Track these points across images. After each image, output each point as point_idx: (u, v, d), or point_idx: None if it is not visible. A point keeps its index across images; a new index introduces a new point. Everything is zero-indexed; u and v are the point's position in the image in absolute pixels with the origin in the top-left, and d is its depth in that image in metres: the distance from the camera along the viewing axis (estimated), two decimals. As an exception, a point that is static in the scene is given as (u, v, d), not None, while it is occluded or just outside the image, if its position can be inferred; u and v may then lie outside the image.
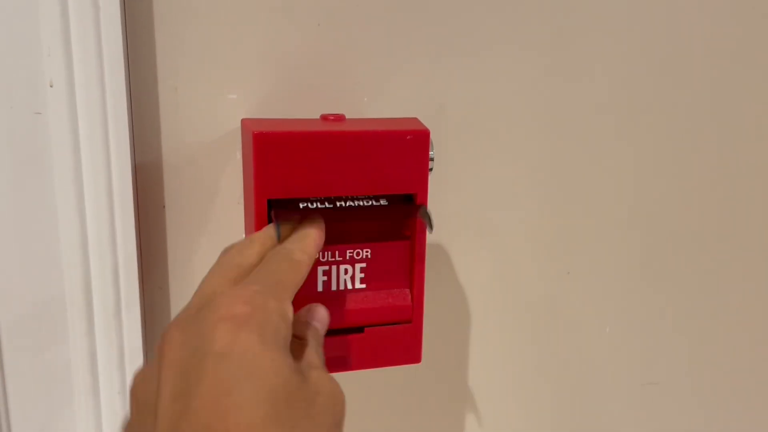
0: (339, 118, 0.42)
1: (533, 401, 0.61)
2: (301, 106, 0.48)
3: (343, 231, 0.41)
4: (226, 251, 0.33)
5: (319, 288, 0.41)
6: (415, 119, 0.43)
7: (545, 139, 0.54)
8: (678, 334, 0.63)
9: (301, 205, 0.39)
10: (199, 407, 0.24)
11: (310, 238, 0.35)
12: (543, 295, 0.58)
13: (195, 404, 0.24)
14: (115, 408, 0.47)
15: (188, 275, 0.49)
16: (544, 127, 0.54)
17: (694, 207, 0.60)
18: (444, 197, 0.52)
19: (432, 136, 0.41)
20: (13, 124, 0.42)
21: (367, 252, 0.41)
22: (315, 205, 0.39)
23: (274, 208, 0.38)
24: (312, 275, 0.40)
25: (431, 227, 0.40)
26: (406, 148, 0.40)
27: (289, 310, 0.30)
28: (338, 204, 0.40)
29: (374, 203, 0.40)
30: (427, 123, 0.43)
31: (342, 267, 0.41)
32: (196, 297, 0.30)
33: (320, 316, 0.35)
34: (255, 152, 0.37)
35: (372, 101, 0.49)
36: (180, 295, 0.49)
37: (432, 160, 0.41)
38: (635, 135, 0.56)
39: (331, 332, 0.41)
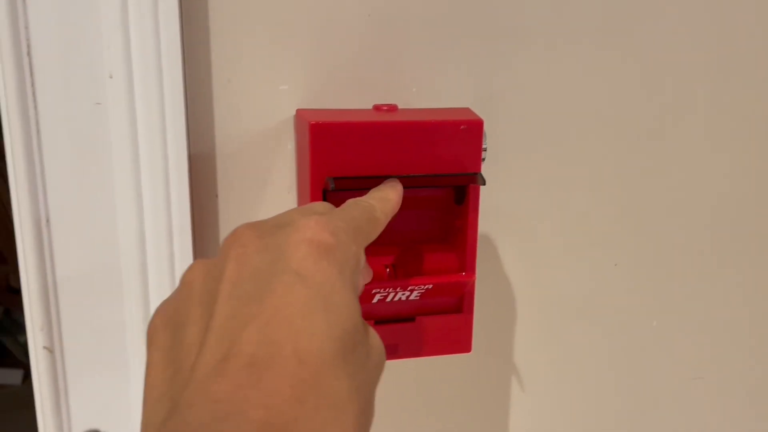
0: (392, 108, 0.42)
1: (579, 393, 0.61)
2: (350, 96, 0.48)
3: (394, 260, 0.41)
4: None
5: (374, 301, 0.41)
6: (467, 109, 0.44)
7: (592, 130, 0.54)
8: (725, 328, 0.62)
9: None
10: (270, 320, 0.23)
11: (390, 204, 0.34)
12: (590, 287, 0.58)
13: (266, 315, 0.23)
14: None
15: (240, 263, 0.49)
16: (592, 118, 0.53)
17: (746, 201, 0.59)
18: (491, 187, 0.52)
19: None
20: (74, 114, 0.44)
21: (428, 286, 0.41)
22: None
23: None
24: (368, 295, 0.40)
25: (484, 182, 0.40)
26: (459, 138, 0.40)
27: (363, 258, 0.28)
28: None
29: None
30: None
31: (401, 293, 0.41)
32: (272, 219, 0.28)
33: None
34: (311, 142, 0.38)
35: (421, 92, 0.49)
36: (232, 283, 0.50)
37: (485, 149, 0.41)
38: (685, 128, 0.56)
39: (382, 321, 0.42)
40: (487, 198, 0.52)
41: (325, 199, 0.39)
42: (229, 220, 0.49)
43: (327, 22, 0.47)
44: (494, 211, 0.53)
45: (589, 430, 0.62)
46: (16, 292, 2.62)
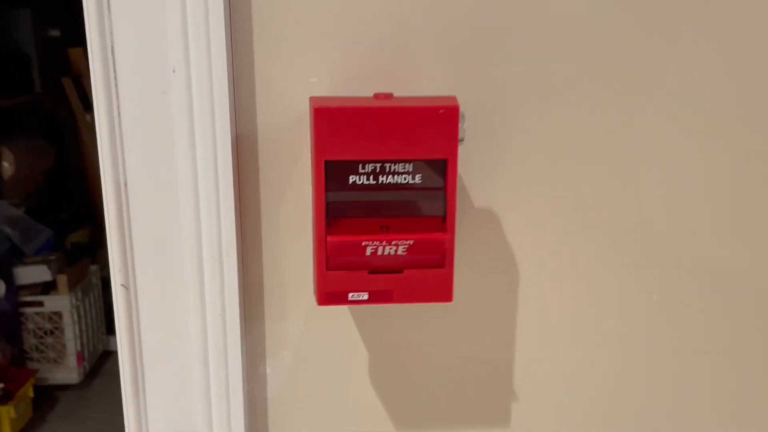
0: (388, 96, 0.51)
1: (580, 368, 0.67)
2: (370, 87, 0.57)
3: (384, 222, 0.50)
4: None
5: (368, 253, 0.50)
6: (452, 97, 0.52)
7: (582, 120, 0.60)
8: (725, 302, 0.66)
9: (350, 180, 0.49)
10: None
11: None
12: (590, 263, 0.64)
13: None
14: (217, 329, 0.60)
15: (276, 224, 0.60)
16: (578, 109, 0.60)
17: (739, 178, 0.63)
18: (485, 165, 0.60)
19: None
20: (146, 100, 0.56)
21: (410, 242, 0.50)
22: (362, 180, 0.49)
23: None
24: (360, 248, 0.50)
25: None
26: (439, 121, 0.48)
27: None
28: (380, 180, 0.49)
29: (408, 180, 0.49)
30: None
31: (388, 248, 0.50)
32: None
33: None
34: (315, 123, 0.47)
35: (432, 83, 0.58)
36: (271, 241, 0.61)
37: (463, 131, 0.49)
38: (675, 118, 0.61)
39: (376, 270, 0.51)
40: (482, 175, 0.59)
41: (326, 173, 0.49)
42: (268, 188, 0.60)
43: (351, 25, 0.57)
44: (488, 187, 0.61)
45: (575, 396, 0.68)
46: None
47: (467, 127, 0.54)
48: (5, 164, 2.55)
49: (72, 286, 2.58)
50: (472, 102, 0.58)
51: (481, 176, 0.60)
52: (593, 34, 0.58)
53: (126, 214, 0.58)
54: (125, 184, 0.57)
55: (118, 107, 0.56)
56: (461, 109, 0.50)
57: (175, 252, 0.59)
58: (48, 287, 2.59)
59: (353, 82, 0.57)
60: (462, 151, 0.57)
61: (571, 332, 0.66)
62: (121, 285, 0.59)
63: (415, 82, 0.58)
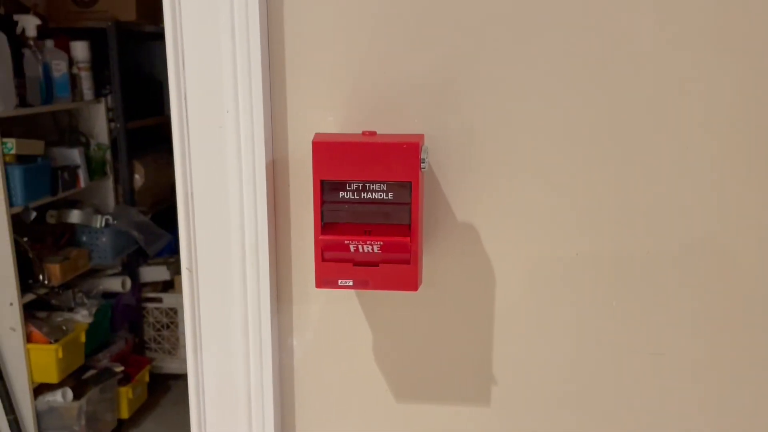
0: (372, 133, 0.68)
1: (544, 369, 0.80)
2: (372, 125, 0.75)
3: (368, 227, 0.67)
4: None
5: (351, 250, 0.67)
6: (420, 135, 0.68)
7: (550, 145, 0.74)
8: (680, 310, 0.77)
9: (340, 195, 0.66)
10: None
11: None
12: (555, 275, 0.77)
13: None
14: (254, 308, 0.79)
15: (302, 227, 0.78)
16: (543, 138, 0.74)
17: (693, 188, 0.75)
18: (458, 186, 0.75)
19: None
20: (208, 132, 0.76)
21: (381, 243, 0.66)
22: (349, 196, 0.66)
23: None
24: (346, 246, 0.67)
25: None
26: (403, 153, 0.65)
27: None
28: (363, 196, 0.66)
29: (384, 197, 0.66)
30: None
31: (366, 246, 0.67)
32: None
33: None
34: (314, 153, 0.66)
35: (418, 123, 0.74)
36: (298, 240, 0.79)
37: (424, 161, 0.65)
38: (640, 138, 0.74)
39: (358, 263, 0.68)
40: (463, 193, 0.75)
41: (322, 189, 0.66)
42: (296, 198, 0.78)
43: (358, 80, 0.74)
44: (471, 200, 0.76)
45: (542, 390, 0.81)
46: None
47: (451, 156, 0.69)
48: (137, 177, 2.93)
49: (186, 286, 2.90)
50: (450, 136, 0.74)
51: (462, 194, 0.76)
52: (535, 82, 0.73)
53: (192, 216, 0.78)
54: (192, 195, 0.78)
55: (188, 137, 0.76)
56: (426, 144, 0.66)
57: (225, 247, 0.78)
58: (167, 286, 2.93)
59: (358, 121, 0.75)
60: (448, 174, 0.74)
61: (545, 332, 0.80)
62: (187, 268, 0.79)
63: (405, 122, 0.74)
